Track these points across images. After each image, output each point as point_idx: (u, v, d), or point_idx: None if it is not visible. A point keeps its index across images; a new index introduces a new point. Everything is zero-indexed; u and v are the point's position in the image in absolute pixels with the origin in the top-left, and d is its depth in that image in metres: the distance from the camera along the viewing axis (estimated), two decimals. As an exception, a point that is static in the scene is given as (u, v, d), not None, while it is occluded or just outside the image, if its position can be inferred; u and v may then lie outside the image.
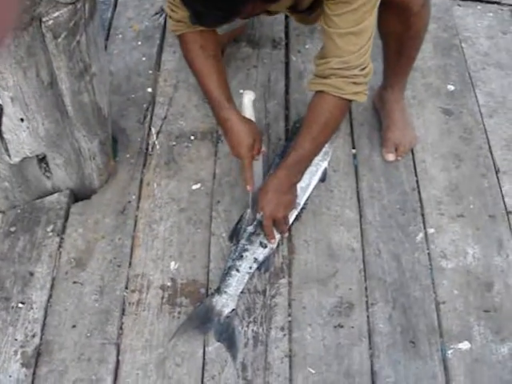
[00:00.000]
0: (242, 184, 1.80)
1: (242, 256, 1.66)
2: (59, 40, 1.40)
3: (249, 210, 1.74)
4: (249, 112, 1.81)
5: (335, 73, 1.53)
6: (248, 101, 1.82)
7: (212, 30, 1.69)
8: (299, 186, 1.73)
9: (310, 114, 1.62)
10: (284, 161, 1.66)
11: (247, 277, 1.65)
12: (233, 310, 1.61)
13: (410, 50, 1.86)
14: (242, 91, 1.86)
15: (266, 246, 1.68)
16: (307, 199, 1.81)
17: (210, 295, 1.63)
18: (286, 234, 1.74)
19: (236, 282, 1.63)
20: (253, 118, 1.79)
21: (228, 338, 1.57)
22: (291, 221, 1.75)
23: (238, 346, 1.56)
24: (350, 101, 1.59)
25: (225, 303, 1.61)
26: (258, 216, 1.67)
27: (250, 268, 1.66)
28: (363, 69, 1.53)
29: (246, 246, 1.67)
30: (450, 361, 1.56)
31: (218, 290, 1.62)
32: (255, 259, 1.67)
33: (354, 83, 1.54)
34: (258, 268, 1.68)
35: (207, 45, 1.67)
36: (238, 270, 1.64)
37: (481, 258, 1.74)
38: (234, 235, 1.73)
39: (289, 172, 1.65)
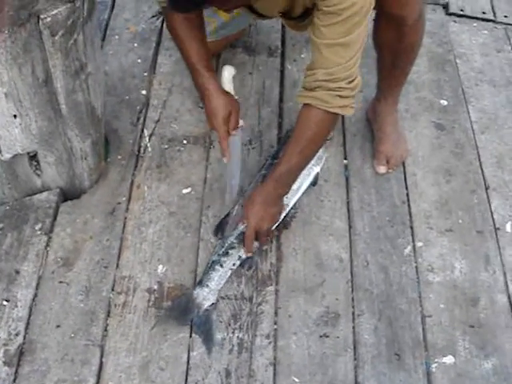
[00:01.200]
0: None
1: (227, 253, 1.67)
2: (56, 38, 1.40)
3: (236, 206, 1.76)
4: (228, 86, 1.80)
5: (321, 85, 1.51)
6: (228, 74, 1.81)
7: None
8: None
9: (297, 127, 1.61)
10: (272, 173, 1.66)
11: (229, 273, 1.67)
12: (212, 303, 1.62)
13: (404, 63, 1.86)
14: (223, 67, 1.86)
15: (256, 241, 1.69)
16: (296, 202, 1.81)
17: (192, 288, 1.65)
18: (265, 247, 1.73)
19: (218, 277, 1.65)
20: (232, 92, 1.78)
21: (205, 332, 1.58)
22: (279, 220, 1.75)
23: (214, 341, 1.57)
24: (337, 114, 1.58)
25: (206, 296, 1.62)
26: (242, 227, 1.68)
27: (234, 265, 1.68)
28: (350, 82, 1.51)
29: (233, 244, 1.68)
30: (433, 374, 1.56)
31: (200, 283, 1.64)
32: (239, 257, 1.68)
33: (340, 96, 1.52)
34: (241, 265, 1.69)
35: (191, 16, 1.66)
36: (221, 266, 1.66)
37: (468, 272, 1.75)
38: (220, 230, 1.74)
39: (276, 184, 1.65)
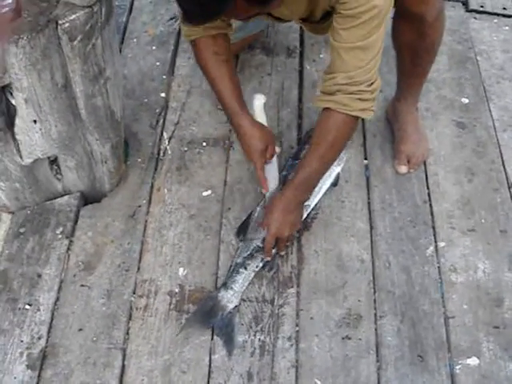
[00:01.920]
0: (255, 189, 1.83)
1: (252, 255, 1.68)
2: (75, 43, 1.40)
3: (258, 208, 1.77)
4: (260, 116, 1.81)
5: (341, 89, 1.51)
6: (259, 104, 1.83)
7: (224, 35, 1.69)
8: None
9: (317, 131, 1.61)
10: (292, 180, 1.66)
11: (253, 275, 1.67)
12: (236, 306, 1.62)
13: (424, 62, 1.85)
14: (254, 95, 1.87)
15: (273, 247, 1.69)
16: (317, 203, 1.80)
17: (215, 290, 1.65)
18: (283, 252, 1.73)
19: (242, 279, 1.65)
20: (264, 121, 1.80)
21: (227, 335, 1.58)
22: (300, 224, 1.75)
23: (235, 343, 1.57)
24: (358, 117, 1.57)
25: (229, 299, 1.62)
26: (263, 233, 1.67)
27: (257, 267, 1.68)
28: (370, 84, 1.51)
29: (259, 247, 1.68)
30: (457, 376, 1.55)
31: (225, 286, 1.64)
32: (262, 259, 1.68)
33: (360, 99, 1.51)
34: (262, 267, 1.69)
35: (220, 50, 1.68)
36: (245, 268, 1.66)
37: (491, 273, 1.73)
38: (241, 232, 1.74)
39: (296, 191, 1.64)
